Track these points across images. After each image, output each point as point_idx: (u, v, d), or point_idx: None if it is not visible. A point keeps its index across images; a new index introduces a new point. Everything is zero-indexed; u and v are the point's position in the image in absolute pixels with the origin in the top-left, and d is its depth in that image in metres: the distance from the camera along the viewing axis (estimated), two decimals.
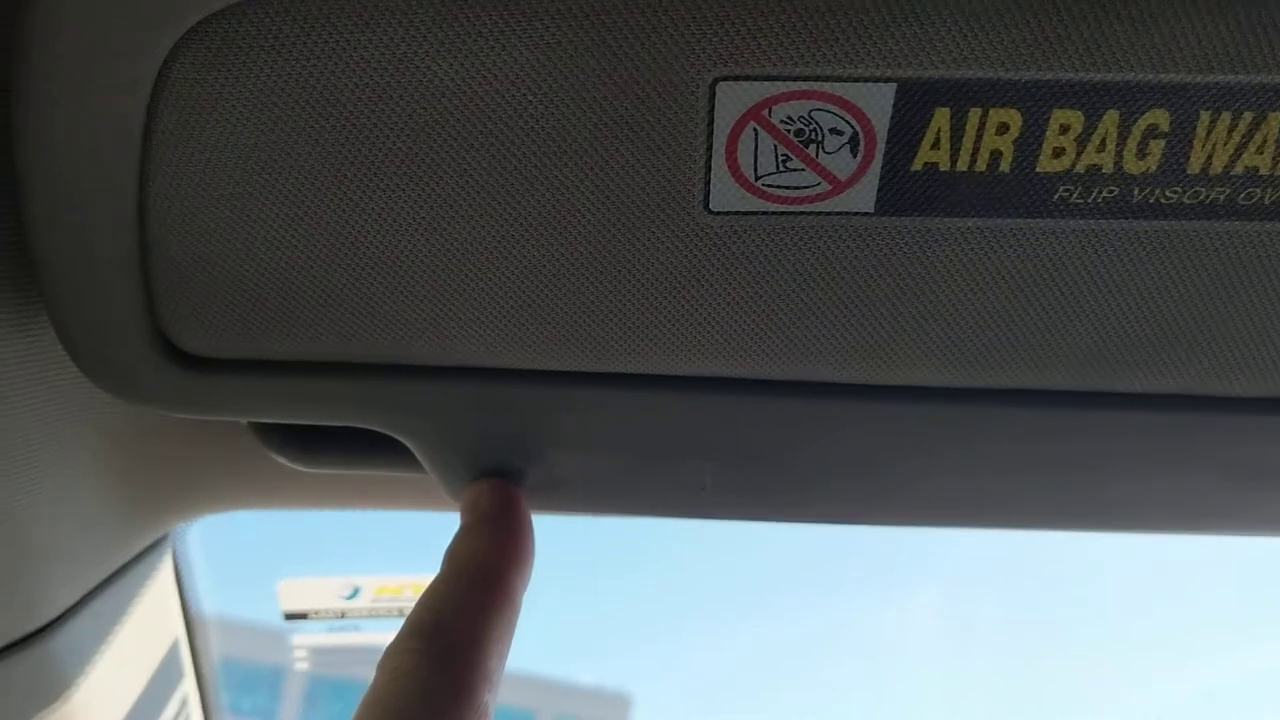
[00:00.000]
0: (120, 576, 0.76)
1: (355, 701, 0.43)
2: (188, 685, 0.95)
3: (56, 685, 0.68)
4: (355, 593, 1.08)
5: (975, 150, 0.38)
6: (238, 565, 1.06)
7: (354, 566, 1.08)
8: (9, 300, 0.51)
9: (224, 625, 1.02)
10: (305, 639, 1.14)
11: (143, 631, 0.82)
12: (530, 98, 0.38)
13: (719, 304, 0.43)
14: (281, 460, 0.62)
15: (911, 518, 0.57)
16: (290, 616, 1.10)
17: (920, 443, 0.50)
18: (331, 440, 0.62)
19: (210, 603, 0.97)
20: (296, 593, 1.09)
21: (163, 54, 0.37)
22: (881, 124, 0.37)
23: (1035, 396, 0.47)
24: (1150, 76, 0.35)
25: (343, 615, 1.09)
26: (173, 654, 0.91)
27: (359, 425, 0.52)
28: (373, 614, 1.08)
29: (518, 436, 0.52)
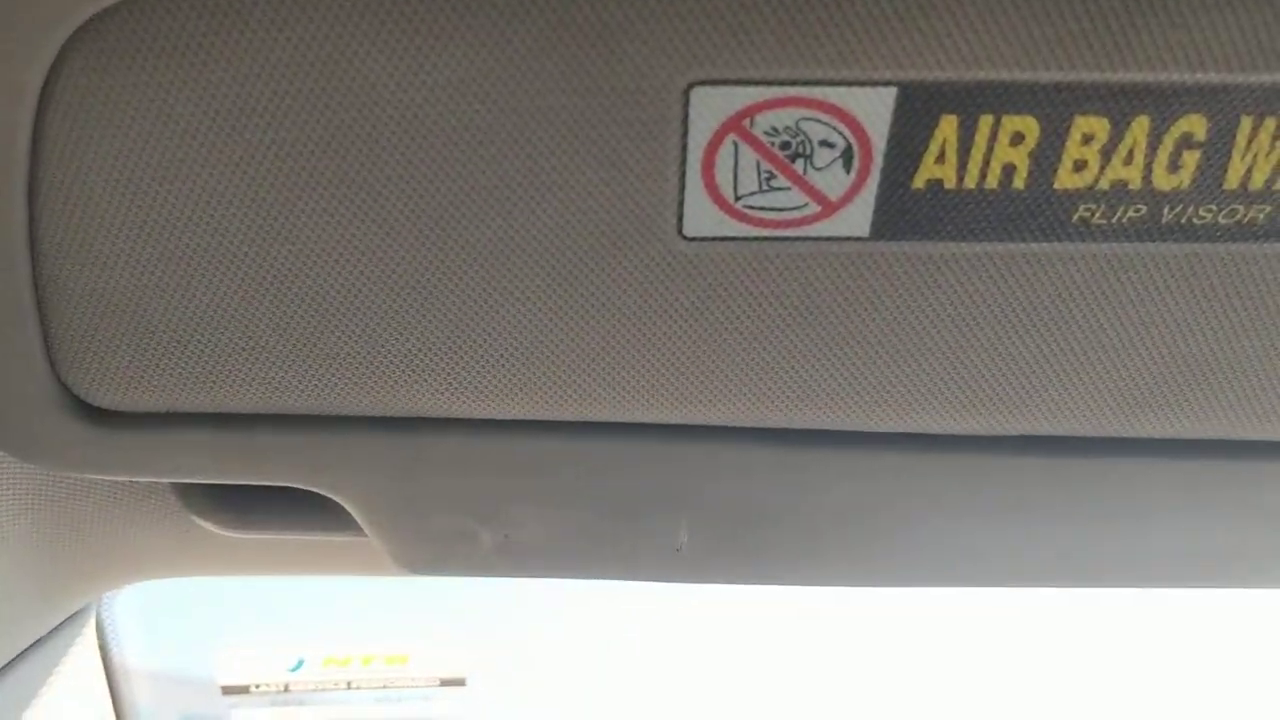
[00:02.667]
0: (34, 652, 0.70)
1: None
2: None
3: None
4: (300, 664, 1.01)
5: (985, 164, 0.33)
6: (171, 634, 0.99)
7: (297, 635, 1.02)
8: None
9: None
10: (247, 715, 1.06)
11: (61, 712, 0.75)
12: (478, 106, 0.33)
13: (694, 343, 0.39)
14: (207, 526, 0.57)
15: (915, 579, 0.52)
16: (229, 690, 1.02)
17: (922, 497, 0.45)
18: (262, 502, 0.56)
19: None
20: (236, 663, 1.02)
21: (51, 55, 0.32)
22: (879, 135, 0.33)
23: (1050, 445, 0.43)
24: (1186, 77, 0.31)
25: (286, 688, 1.02)
26: None
27: (290, 485, 0.46)
28: (319, 687, 1.01)
29: (470, 494, 0.47)
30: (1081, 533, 0.48)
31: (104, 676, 0.84)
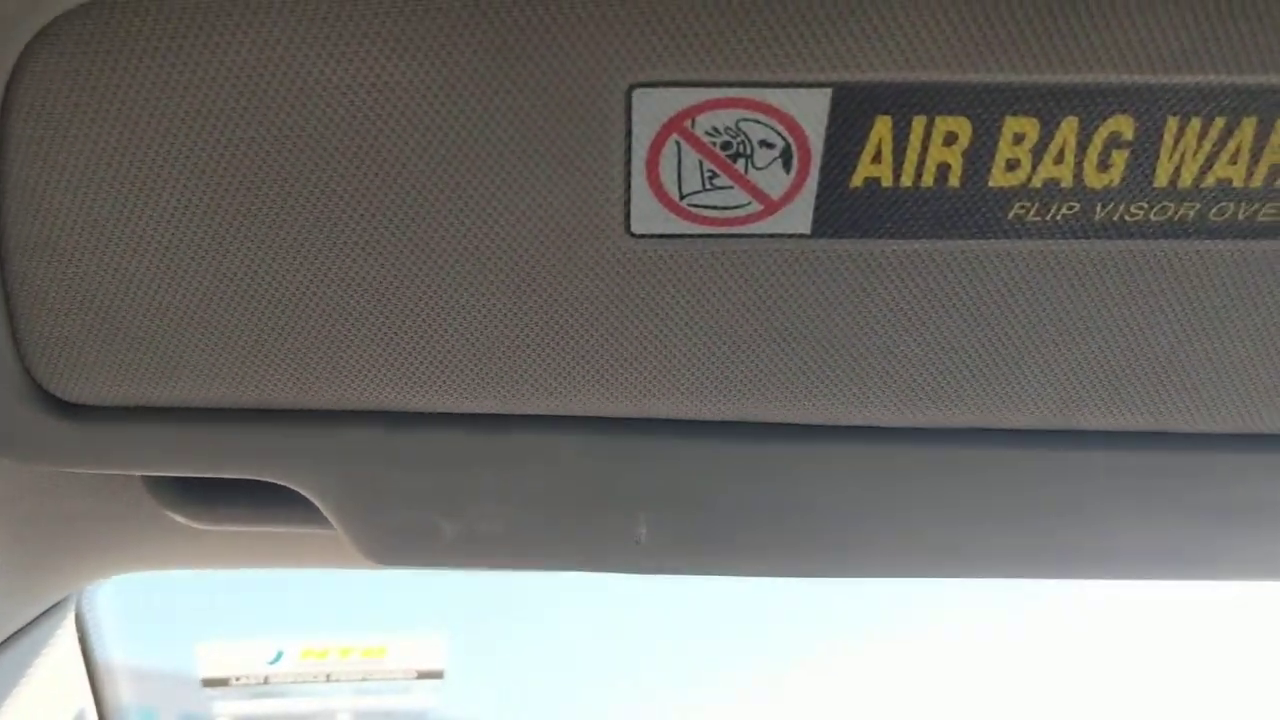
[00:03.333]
0: (12, 644, 0.70)
1: None
2: None
3: None
4: (279, 656, 1.02)
5: (921, 163, 0.34)
6: (152, 628, 0.99)
7: (276, 628, 1.02)
8: None
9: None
10: (227, 706, 1.07)
11: (41, 703, 0.76)
12: (425, 108, 0.34)
13: (644, 338, 0.39)
14: (178, 518, 0.57)
15: (865, 569, 0.53)
16: (209, 683, 1.03)
17: (869, 488, 0.46)
18: (232, 495, 0.57)
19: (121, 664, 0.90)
20: (216, 657, 1.03)
21: (13, 56, 0.33)
22: (816, 135, 0.34)
23: (993, 437, 0.43)
24: (1112, 78, 0.32)
25: (266, 681, 1.03)
26: None
27: (257, 478, 0.47)
28: (298, 679, 1.02)
29: (431, 488, 0.48)
30: (1028, 523, 0.48)
31: (84, 669, 0.84)
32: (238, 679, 1.04)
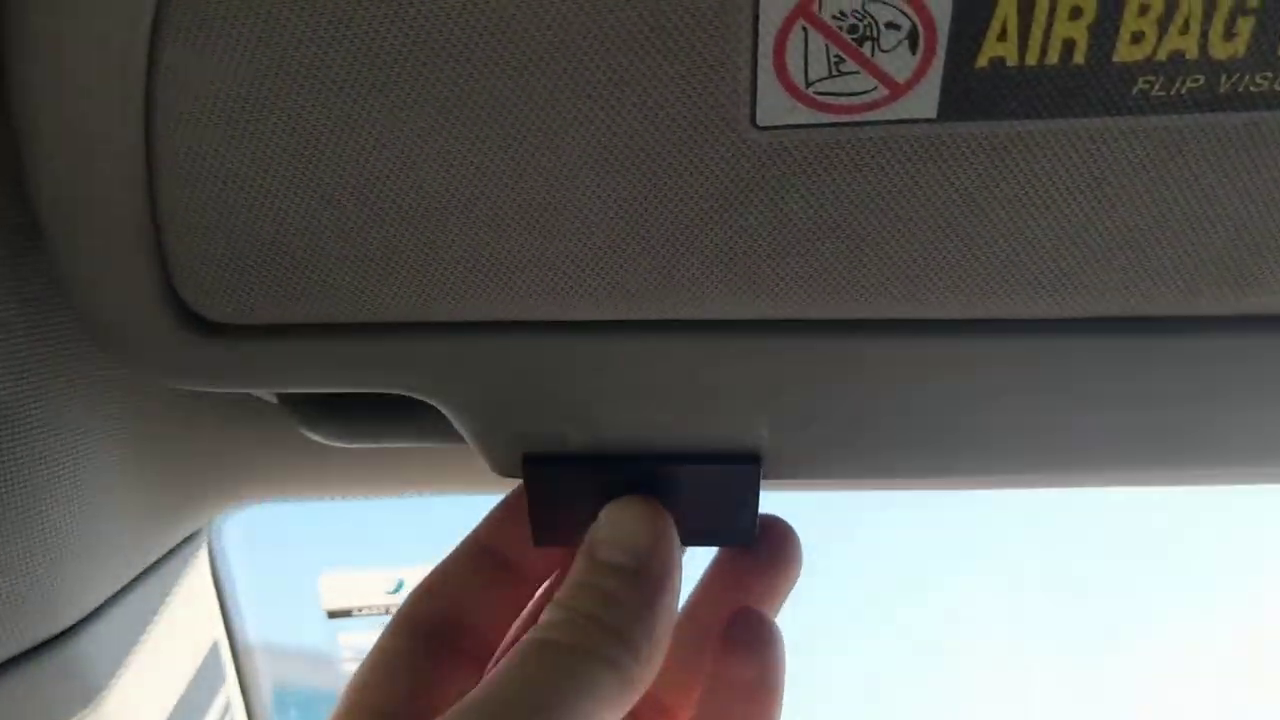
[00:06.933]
0: (151, 574, 0.74)
1: None
2: (230, 690, 0.93)
3: (87, 689, 0.66)
4: (399, 586, 1.06)
5: (1046, 39, 0.34)
6: (277, 562, 1.04)
7: (395, 559, 1.06)
8: (24, 274, 0.49)
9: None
10: (350, 638, 1.11)
11: (178, 632, 0.80)
12: (558, 6, 0.35)
13: (772, 236, 0.40)
14: (315, 437, 0.60)
15: (1004, 473, 0.52)
16: (334, 614, 1.07)
17: (1005, 385, 0.46)
18: (368, 414, 0.59)
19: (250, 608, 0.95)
20: (338, 587, 1.07)
21: None
22: (943, 14, 0.34)
23: (1131, 326, 0.43)
24: None
25: (387, 611, 1.07)
26: (213, 657, 0.89)
27: (393, 391, 0.49)
28: None
29: (558, 398, 0.49)
30: (1159, 414, 0.48)
31: (216, 600, 0.89)
32: (360, 609, 1.08)
